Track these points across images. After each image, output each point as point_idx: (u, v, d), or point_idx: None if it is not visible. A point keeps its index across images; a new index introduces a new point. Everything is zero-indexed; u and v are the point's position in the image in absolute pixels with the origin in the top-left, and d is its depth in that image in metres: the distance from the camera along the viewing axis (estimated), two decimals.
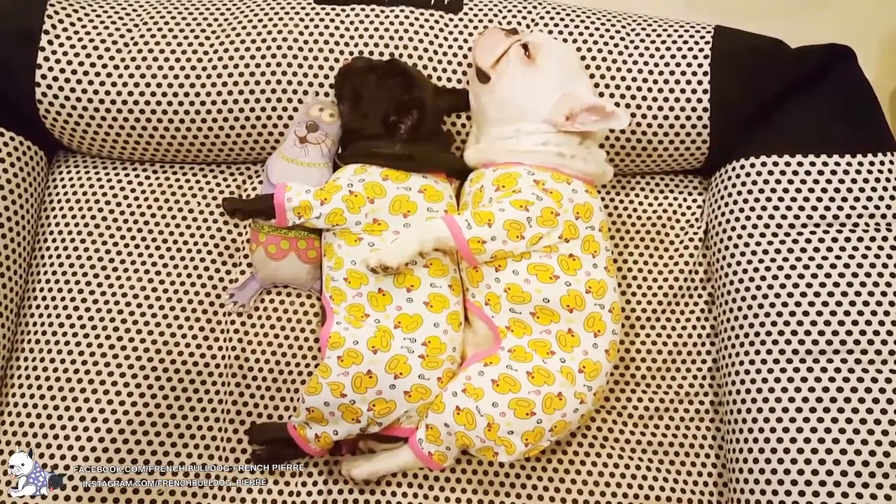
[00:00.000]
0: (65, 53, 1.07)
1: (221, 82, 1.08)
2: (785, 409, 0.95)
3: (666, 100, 1.09)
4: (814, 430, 0.93)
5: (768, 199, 1.05)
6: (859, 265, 0.99)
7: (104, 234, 1.09)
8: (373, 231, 0.98)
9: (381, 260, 0.94)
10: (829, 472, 0.91)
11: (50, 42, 1.07)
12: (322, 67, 1.09)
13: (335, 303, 0.98)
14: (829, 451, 0.92)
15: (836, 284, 0.98)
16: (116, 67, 1.07)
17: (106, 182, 1.13)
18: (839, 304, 0.97)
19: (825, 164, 1.04)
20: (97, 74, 1.07)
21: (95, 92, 1.07)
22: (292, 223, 1.00)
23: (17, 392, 1.02)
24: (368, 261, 0.95)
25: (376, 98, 1.03)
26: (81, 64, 1.07)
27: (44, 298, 1.06)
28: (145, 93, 1.07)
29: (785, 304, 0.99)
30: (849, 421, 0.92)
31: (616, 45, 1.11)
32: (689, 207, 1.17)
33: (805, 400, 0.95)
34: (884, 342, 0.95)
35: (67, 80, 1.06)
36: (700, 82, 1.08)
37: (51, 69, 1.06)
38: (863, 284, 0.97)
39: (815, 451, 0.92)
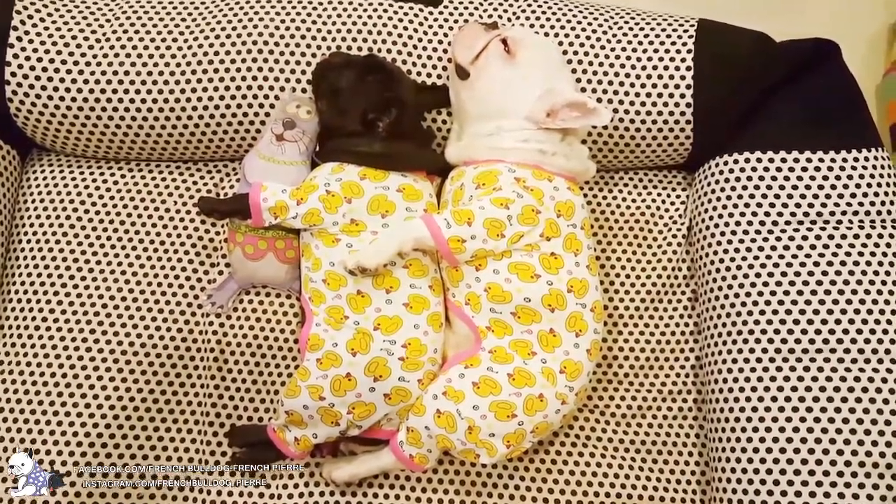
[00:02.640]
0: (35, 50, 1.04)
1: (196, 78, 1.05)
2: (767, 409, 0.95)
3: (648, 95, 1.08)
4: (796, 429, 0.93)
5: (751, 196, 1.04)
6: (842, 262, 0.98)
7: (79, 235, 1.07)
8: (350, 231, 0.97)
9: (359, 262, 0.92)
10: (812, 472, 0.91)
11: (19, 38, 1.04)
12: (299, 63, 1.07)
13: (314, 304, 0.97)
14: (811, 451, 0.91)
15: (819, 283, 0.97)
16: (88, 64, 1.05)
17: (81, 181, 1.11)
18: (822, 301, 0.97)
19: (809, 160, 1.03)
20: (69, 71, 1.05)
21: (67, 90, 1.05)
22: (269, 223, 0.98)
23: None
24: (346, 262, 0.94)
25: (354, 95, 1.01)
26: (52, 61, 1.04)
27: (18, 301, 1.05)
28: (118, 90, 1.05)
29: (768, 303, 0.99)
30: (831, 420, 0.92)
31: (598, 40, 1.09)
32: (672, 203, 1.16)
33: (787, 399, 0.94)
34: (867, 340, 0.94)
35: (38, 78, 1.04)
36: (683, 77, 1.07)
37: (21, 66, 1.04)
38: (846, 283, 0.97)
39: (797, 450, 0.92)
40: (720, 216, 1.06)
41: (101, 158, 1.14)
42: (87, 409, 0.99)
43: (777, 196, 1.03)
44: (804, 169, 1.03)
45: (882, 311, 0.95)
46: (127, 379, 1.01)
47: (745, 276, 1.01)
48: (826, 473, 0.90)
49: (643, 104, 1.08)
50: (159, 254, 1.07)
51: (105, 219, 1.09)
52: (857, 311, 0.95)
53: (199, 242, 1.09)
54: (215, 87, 1.06)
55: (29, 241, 1.08)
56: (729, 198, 1.06)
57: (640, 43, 1.09)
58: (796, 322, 0.97)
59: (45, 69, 1.04)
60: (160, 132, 1.08)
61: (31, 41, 1.04)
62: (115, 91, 1.05)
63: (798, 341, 0.96)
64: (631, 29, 1.10)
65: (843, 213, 1.01)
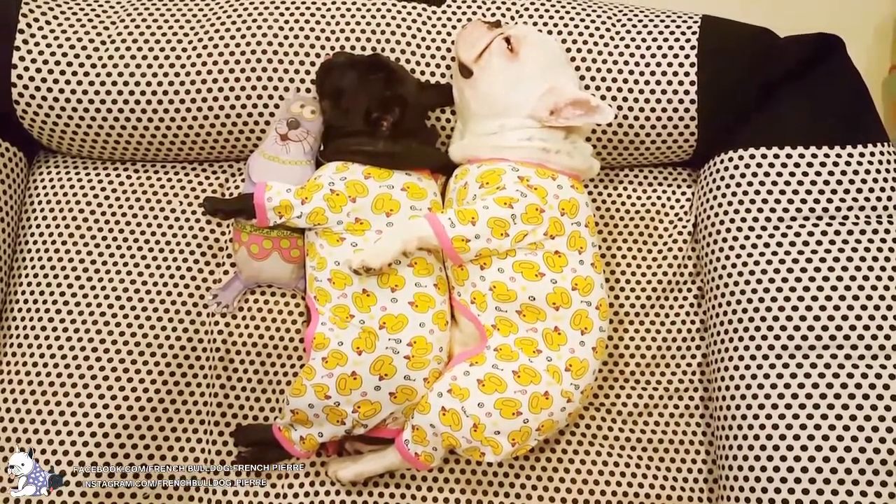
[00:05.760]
0: (41, 52, 1.05)
1: (201, 80, 1.06)
2: (774, 405, 0.95)
3: (653, 91, 1.07)
4: (803, 425, 0.92)
5: (757, 192, 1.03)
6: (849, 258, 0.98)
7: (86, 236, 1.08)
8: (355, 231, 0.97)
9: (364, 261, 0.93)
10: (819, 469, 0.90)
11: (25, 41, 1.05)
12: (303, 63, 1.07)
13: (320, 303, 0.97)
14: (818, 448, 0.91)
15: (826, 279, 0.97)
16: (94, 66, 1.05)
17: (87, 182, 1.12)
18: (829, 297, 0.96)
19: (814, 155, 1.03)
20: (74, 73, 1.05)
21: (73, 91, 1.05)
22: (273, 223, 0.99)
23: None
24: (351, 262, 0.94)
25: (358, 94, 1.01)
26: (58, 63, 1.05)
27: (25, 301, 1.05)
28: (123, 91, 1.06)
29: (774, 299, 0.98)
30: (838, 417, 0.91)
31: (602, 37, 1.09)
32: (677, 200, 1.15)
33: (794, 396, 0.94)
34: (874, 337, 0.94)
35: (44, 80, 1.05)
36: (687, 73, 1.07)
37: (27, 68, 1.04)
38: (852, 278, 0.96)
39: (804, 447, 0.92)
40: (725, 213, 1.06)
41: (107, 160, 1.14)
42: (92, 409, 0.99)
43: (782, 192, 1.02)
44: (809, 164, 1.03)
45: (889, 307, 0.95)
46: (133, 379, 1.01)
47: (752, 272, 1.01)
48: (833, 470, 0.90)
49: (647, 101, 1.08)
50: (164, 254, 1.08)
51: (111, 219, 1.09)
52: (863, 307, 0.95)
53: (204, 242, 1.09)
54: (220, 88, 1.06)
55: (35, 243, 1.08)
56: (734, 194, 1.05)
57: (644, 40, 1.09)
58: (802, 318, 0.96)
59: (51, 71, 1.05)
60: (165, 133, 1.08)
61: (37, 43, 1.05)
62: (120, 93, 1.06)
63: (805, 338, 0.96)
64: (634, 26, 1.10)
65: (849, 208, 1.00)
